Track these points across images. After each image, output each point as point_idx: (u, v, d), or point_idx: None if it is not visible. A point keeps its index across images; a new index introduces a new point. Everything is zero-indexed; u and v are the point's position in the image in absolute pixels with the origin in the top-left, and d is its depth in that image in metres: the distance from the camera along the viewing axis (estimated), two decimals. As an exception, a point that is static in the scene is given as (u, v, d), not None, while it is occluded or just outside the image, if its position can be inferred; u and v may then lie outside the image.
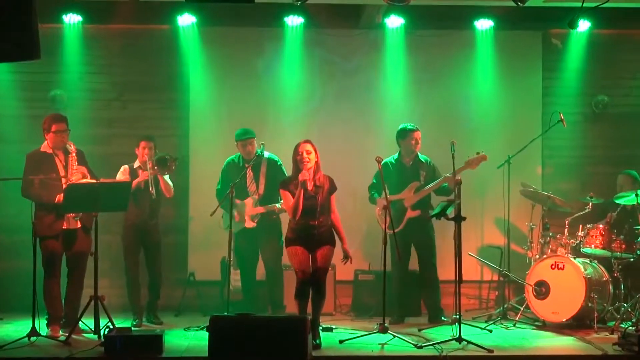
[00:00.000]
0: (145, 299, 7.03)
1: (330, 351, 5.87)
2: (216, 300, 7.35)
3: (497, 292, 7.78)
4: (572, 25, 6.64)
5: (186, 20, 7.72)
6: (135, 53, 7.90)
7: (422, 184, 7.05)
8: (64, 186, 6.19)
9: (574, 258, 6.80)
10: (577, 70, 8.04)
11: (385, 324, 6.24)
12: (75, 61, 7.81)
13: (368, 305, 7.42)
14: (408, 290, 7.14)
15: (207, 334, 5.31)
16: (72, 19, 7.70)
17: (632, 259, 6.85)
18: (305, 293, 6.01)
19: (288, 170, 6.44)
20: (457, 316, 6.06)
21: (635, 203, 6.84)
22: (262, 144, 6.95)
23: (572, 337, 6.36)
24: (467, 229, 7.10)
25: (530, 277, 6.90)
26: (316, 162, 6.04)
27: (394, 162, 7.13)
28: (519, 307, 7.09)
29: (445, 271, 7.06)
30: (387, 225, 6.28)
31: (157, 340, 5.68)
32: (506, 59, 7.98)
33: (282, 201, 6.47)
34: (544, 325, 6.78)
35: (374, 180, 7.09)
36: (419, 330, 6.56)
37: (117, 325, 6.05)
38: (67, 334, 6.06)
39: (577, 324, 6.67)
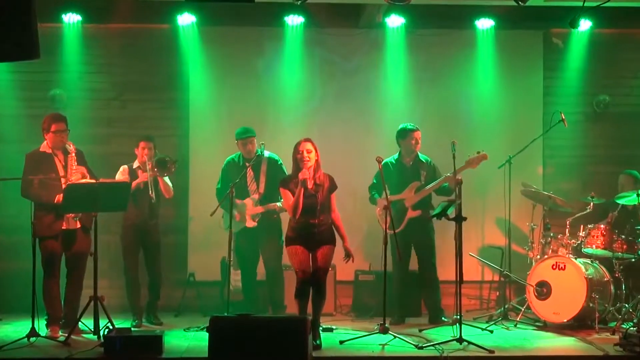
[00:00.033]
0: (145, 300, 7.01)
1: (330, 352, 5.86)
2: (216, 300, 7.33)
3: (498, 293, 7.76)
4: (573, 24, 6.63)
5: (186, 19, 7.70)
6: (135, 52, 7.89)
7: (422, 184, 7.03)
8: (64, 186, 6.18)
9: (575, 258, 6.78)
10: (578, 69, 8.02)
11: (386, 325, 6.24)
12: (74, 61, 7.80)
13: (368, 305, 7.41)
14: (408, 290, 7.12)
15: (207, 334, 5.29)
16: (71, 18, 7.69)
17: (633, 259, 6.83)
18: (305, 293, 5.99)
19: (288, 170, 6.42)
20: (458, 317, 6.05)
21: (636, 203, 6.83)
22: (262, 143, 6.94)
23: (573, 338, 6.35)
24: (468, 229, 7.09)
25: (531, 277, 6.88)
26: (316, 161, 6.03)
27: (394, 162, 7.11)
28: (520, 307, 7.07)
29: (445, 271, 7.04)
30: (387, 225, 6.26)
31: (156, 341, 5.67)
32: (507, 59, 7.96)
33: (282, 200, 6.45)
34: (545, 326, 6.77)
35: (374, 181, 7.07)
36: (420, 330, 6.54)
37: (116, 326, 6.05)
38: (66, 335, 6.05)
39: (578, 325, 6.65)
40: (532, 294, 6.82)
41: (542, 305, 6.77)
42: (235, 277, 7.10)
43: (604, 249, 6.85)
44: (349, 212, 7.27)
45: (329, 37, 7.91)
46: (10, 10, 4.76)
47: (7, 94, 7.75)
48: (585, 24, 7.72)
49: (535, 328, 6.77)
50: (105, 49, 7.91)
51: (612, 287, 6.77)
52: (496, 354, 5.72)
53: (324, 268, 6.06)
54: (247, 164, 6.99)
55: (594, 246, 6.88)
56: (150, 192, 6.69)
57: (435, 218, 6.36)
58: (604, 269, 6.87)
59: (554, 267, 6.79)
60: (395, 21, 7.80)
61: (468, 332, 6.15)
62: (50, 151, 6.35)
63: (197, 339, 6.22)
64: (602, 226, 6.87)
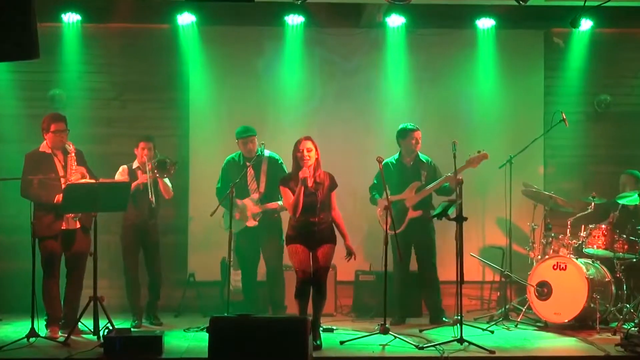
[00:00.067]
0: (145, 300, 6.99)
1: (330, 352, 5.86)
2: (216, 300, 7.32)
3: (498, 293, 7.75)
4: (574, 24, 6.61)
5: (186, 19, 7.69)
6: (135, 52, 7.87)
7: (423, 184, 7.01)
8: (63, 186, 6.16)
9: (576, 258, 6.77)
10: (579, 69, 8.01)
11: (387, 325, 6.22)
12: (74, 60, 7.78)
13: (369, 306, 7.40)
14: (409, 290, 7.11)
15: (207, 334, 5.28)
16: (71, 18, 7.67)
17: (634, 260, 6.81)
18: (305, 293, 5.98)
19: (289, 169, 6.40)
20: (459, 317, 6.03)
21: (637, 203, 6.82)
22: (263, 143, 6.93)
23: (574, 338, 6.33)
24: (469, 229, 7.07)
25: (532, 277, 6.87)
26: (316, 159, 6.01)
27: (394, 162, 7.10)
28: (520, 307, 7.06)
29: (446, 272, 7.03)
30: (388, 226, 6.25)
31: (156, 341, 5.67)
32: (508, 58, 7.95)
33: (282, 199, 6.44)
34: (546, 326, 6.75)
35: (375, 181, 7.05)
36: (420, 331, 6.53)
37: (116, 326, 6.04)
38: (66, 335, 6.04)
39: (579, 325, 6.64)
40: (533, 294, 6.81)
41: (543, 306, 6.76)
42: (236, 278, 7.09)
43: (605, 249, 6.83)
44: (349, 212, 7.25)
45: (329, 37, 7.90)
46: (10, 10, 4.75)
47: (6, 93, 7.74)
48: (586, 24, 7.70)
49: (536, 328, 6.76)
50: (105, 49, 7.90)
51: (613, 288, 6.75)
52: (497, 354, 5.71)
53: (325, 267, 6.04)
54: (248, 163, 6.98)
55: (595, 246, 6.87)
56: (150, 196, 6.67)
57: (435, 218, 6.35)
58: (605, 269, 6.85)
59: (555, 267, 6.78)
60: (395, 21, 7.78)
61: (469, 333, 6.14)
62: (49, 151, 6.34)
63: (197, 340, 6.20)
64: (603, 226, 6.85)
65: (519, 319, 6.87)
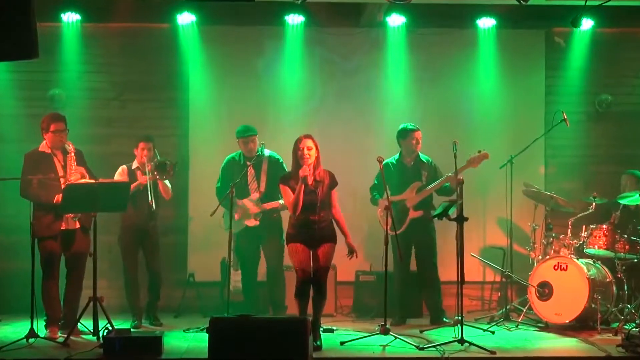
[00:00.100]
0: (145, 300, 6.98)
1: (331, 353, 5.85)
2: (216, 301, 7.31)
3: (499, 293, 7.73)
4: (575, 23, 6.59)
5: (186, 18, 7.68)
6: (135, 52, 7.86)
7: (423, 184, 7.00)
8: (63, 186, 6.15)
9: (577, 259, 6.75)
10: (580, 69, 7.99)
11: (387, 326, 6.20)
12: (74, 60, 7.77)
13: (369, 306, 7.38)
14: (409, 291, 7.09)
15: (207, 335, 5.27)
16: (70, 17, 7.65)
17: (635, 260, 6.80)
18: (305, 293, 5.97)
19: (290, 169, 6.38)
20: (459, 317, 6.02)
21: (638, 203, 6.79)
22: (263, 143, 6.91)
23: (575, 339, 6.32)
24: (469, 230, 7.03)
25: (533, 278, 6.85)
26: (316, 157, 6.00)
27: (395, 162, 7.08)
28: (521, 308, 7.04)
29: (447, 272, 7.01)
30: (389, 226, 6.23)
31: (156, 342, 5.66)
32: (508, 58, 7.93)
33: (282, 197, 6.42)
34: (547, 327, 6.74)
35: (375, 181, 7.04)
36: (421, 331, 6.52)
37: (116, 327, 6.02)
38: (65, 336, 6.04)
39: (580, 326, 6.62)
40: (534, 294, 6.79)
41: (544, 306, 6.74)
42: (236, 278, 7.07)
43: (606, 249, 6.82)
44: (349, 212, 7.21)
45: (329, 37, 7.88)
46: (10, 9, 4.74)
47: (6, 93, 7.72)
48: (587, 23, 7.69)
49: (537, 329, 6.75)
50: (105, 49, 7.88)
51: (614, 288, 6.74)
52: (498, 355, 5.70)
53: (325, 267, 6.03)
54: (248, 163, 6.96)
55: (596, 247, 6.85)
56: (150, 200, 6.65)
57: (436, 218, 6.33)
58: (606, 269, 6.83)
59: (556, 267, 6.76)
60: (396, 20, 7.76)
61: (469, 333, 6.13)
62: (49, 151, 6.32)
63: (197, 340, 6.19)
64: (604, 226, 6.84)
65: (519, 320, 6.85)
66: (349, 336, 6.24)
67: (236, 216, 6.90)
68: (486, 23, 7.86)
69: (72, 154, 6.26)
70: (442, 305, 7.07)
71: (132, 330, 6.22)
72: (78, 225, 6.30)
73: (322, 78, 7.91)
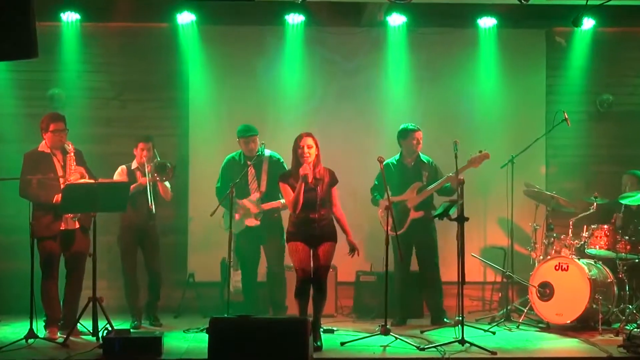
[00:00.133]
0: (145, 300, 6.96)
1: (331, 353, 5.83)
2: (216, 301, 7.29)
3: (500, 294, 7.71)
4: (576, 23, 6.58)
5: (185, 18, 7.66)
6: (134, 51, 7.84)
7: (424, 184, 6.98)
8: (62, 186, 6.13)
9: (578, 259, 6.73)
10: (582, 68, 7.98)
11: (387, 326, 6.18)
12: (73, 60, 7.76)
13: (370, 306, 7.37)
14: (410, 291, 7.07)
15: (207, 335, 5.25)
16: (70, 17, 7.64)
17: (637, 260, 6.79)
18: (305, 292, 5.95)
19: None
20: (460, 318, 6.00)
21: (640, 203, 6.78)
22: (263, 143, 6.89)
23: (576, 339, 6.30)
24: (470, 230, 7.01)
25: (534, 278, 6.83)
26: (317, 155, 5.98)
27: (395, 162, 7.06)
28: (522, 308, 7.02)
29: (447, 272, 7.00)
30: (389, 226, 6.21)
31: (156, 342, 5.65)
32: (509, 57, 7.91)
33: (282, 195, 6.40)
34: (548, 327, 6.72)
35: (376, 182, 7.02)
36: (422, 332, 6.50)
37: (115, 327, 6.00)
38: (65, 336, 6.02)
39: (581, 326, 6.61)
40: (535, 295, 6.77)
41: (544, 307, 6.72)
42: (236, 278, 7.05)
43: (608, 249, 6.81)
44: (349, 212, 7.14)
45: (329, 36, 7.87)
46: (9, 9, 4.72)
47: (5, 93, 7.71)
48: (588, 23, 7.67)
49: (538, 329, 6.73)
50: (104, 48, 7.87)
51: (615, 288, 6.72)
52: (498, 355, 5.68)
53: (325, 266, 6.01)
54: (249, 162, 6.94)
55: (597, 247, 6.84)
56: (150, 204, 6.62)
57: (437, 218, 6.32)
58: (607, 269, 6.82)
59: (557, 267, 6.74)
60: (396, 20, 7.75)
61: (470, 334, 6.11)
62: (48, 151, 6.31)
63: (197, 341, 6.18)
64: (605, 226, 6.82)
65: (520, 320, 6.84)
66: (350, 337, 6.22)
67: (236, 216, 6.89)
68: (487, 22, 7.85)
69: (72, 154, 6.24)
70: (442, 305, 7.06)
71: (131, 330, 6.19)
72: (77, 226, 6.29)
73: (323, 78, 7.90)
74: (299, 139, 5.98)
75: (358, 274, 7.61)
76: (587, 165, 8.05)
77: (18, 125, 7.56)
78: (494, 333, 6.48)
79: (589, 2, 6.15)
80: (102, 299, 6.13)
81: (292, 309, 6.70)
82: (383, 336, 6.11)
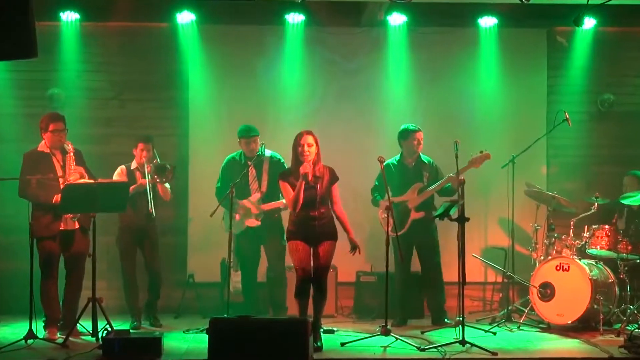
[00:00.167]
0: (145, 300, 6.94)
1: (331, 354, 5.82)
2: (216, 302, 7.28)
3: (501, 294, 7.70)
4: (578, 22, 6.57)
5: (185, 17, 7.65)
6: (134, 51, 7.83)
7: (425, 185, 6.96)
8: (62, 186, 6.12)
9: (579, 259, 6.72)
10: (583, 68, 7.96)
11: (388, 327, 6.17)
12: (73, 59, 7.74)
13: (370, 307, 7.36)
14: (411, 292, 7.06)
15: (207, 336, 5.24)
16: (69, 16, 7.63)
17: (638, 260, 6.78)
18: (305, 292, 5.94)
19: (291, 168, 6.36)
20: (461, 318, 5.99)
21: (641, 203, 6.77)
22: (263, 143, 6.88)
23: (577, 340, 6.29)
24: (471, 230, 7.01)
25: (534, 278, 6.82)
26: (317, 153, 5.96)
27: (396, 163, 7.05)
28: (523, 309, 7.00)
29: (448, 272, 6.99)
30: (390, 227, 6.19)
31: (156, 343, 5.64)
32: (510, 57, 7.90)
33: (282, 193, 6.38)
34: (549, 328, 6.71)
35: (376, 182, 7.01)
36: (422, 332, 6.48)
37: (115, 328, 5.99)
38: (64, 337, 6.02)
39: (582, 326, 6.60)
40: (536, 295, 6.76)
41: (545, 307, 6.71)
42: (235, 279, 7.04)
43: (609, 249, 6.80)
44: (350, 213, 7.13)
45: (330, 36, 7.85)
46: (9, 9, 4.71)
47: (5, 92, 7.70)
48: (589, 22, 7.67)
49: (538, 330, 6.72)
50: (104, 48, 7.85)
51: (616, 289, 6.71)
52: (499, 356, 5.67)
53: (325, 265, 5.99)
54: (249, 163, 6.93)
55: (598, 247, 6.83)
56: (150, 207, 6.59)
57: (437, 219, 6.30)
58: (608, 270, 6.80)
59: (558, 268, 6.73)
60: (397, 19, 7.74)
61: (471, 334, 6.10)
62: (48, 151, 6.30)
63: (197, 341, 6.17)
64: (606, 227, 6.81)
65: (521, 321, 6.82)
66: (350, 337, 6.21)
67: (237, 217, 6.87)
68: (488, 22, 7.83)
69: (71, 154, 6.23)
70: (444, 305, 7.05)
71: (131, 331, 6.19)
72: (77, 226, 6.28)
73: (323, 77, 7.88)
74: (299, 137, 5.96)
75: (358, 274, 7.59)
76: (588, 165, 8.04)
77: (17, 125, 7.55)
78: (494, 333, 6.46)
79: (590, 2, 6.13)
80: (102, 300, 6.12)
81: (292, 309, 6.69)
82: (383, 337, 6.10)
